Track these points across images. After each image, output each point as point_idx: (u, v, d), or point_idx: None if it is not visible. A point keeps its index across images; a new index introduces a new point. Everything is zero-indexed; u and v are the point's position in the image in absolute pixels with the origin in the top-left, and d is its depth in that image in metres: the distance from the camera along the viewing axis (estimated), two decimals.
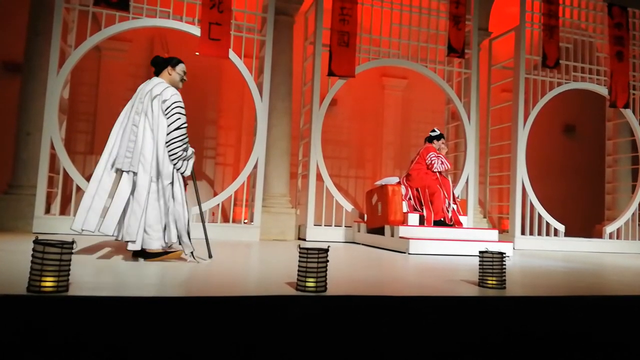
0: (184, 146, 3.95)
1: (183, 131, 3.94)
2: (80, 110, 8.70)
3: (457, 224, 6.65)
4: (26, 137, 6.81)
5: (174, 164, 3.93)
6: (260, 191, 7.18)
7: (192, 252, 3.97)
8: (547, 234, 8.28)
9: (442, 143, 7.13)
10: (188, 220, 3.96)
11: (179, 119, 3.94)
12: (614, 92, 8.71)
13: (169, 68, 4.15)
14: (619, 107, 8.76)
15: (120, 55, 8.86)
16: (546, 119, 9.55)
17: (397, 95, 10.71)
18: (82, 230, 3.85)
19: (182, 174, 4.00)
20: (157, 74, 4.17)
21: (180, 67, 4.19)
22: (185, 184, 4.18)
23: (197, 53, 6.82)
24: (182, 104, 3.99)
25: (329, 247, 2.80)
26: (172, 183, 3.93)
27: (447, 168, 6.89)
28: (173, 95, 3.97)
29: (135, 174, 3.87)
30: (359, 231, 7.51)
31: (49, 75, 6.48)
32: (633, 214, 8.77)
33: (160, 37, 8.85)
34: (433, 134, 7.17)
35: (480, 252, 3.31)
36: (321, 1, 7.73)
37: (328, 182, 7.61)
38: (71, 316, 2.14)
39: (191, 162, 4.05)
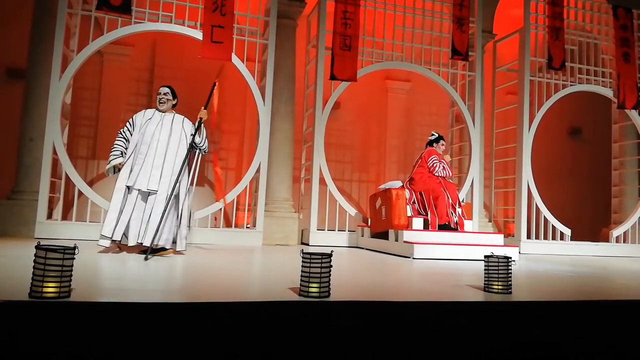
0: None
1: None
2: (83, 115, 8.71)
3: (461, 228, 6.59)
4: (29, 142, 6.80)
5: None
6: (262, 195, 7.15)
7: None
8: (553, 238, 8.20)
9: (443, 145, 7.08)
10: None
11: None
12: (622, 94, 8.63)
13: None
14: (628, 108, 8.68)
15: (122, 59, 8.86)
16: (551, 121, 9.49)
17: (401, 98, 10.67)
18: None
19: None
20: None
21: (158, 92, 5.01)
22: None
23: (199, 56, 6.80)
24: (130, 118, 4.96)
25: (332, 251, 2.76)
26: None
27: (448, 175, 6.83)
28: None
29: None
30: (362, 236, 7.46)
31: (51, 80, 6.48)
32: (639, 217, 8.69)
33: (161, 41, 8.85)
34: (432, 137, 7.13)
35: (485, 256, 3.27)
36: (323, 5, 7.71)
37: (331, 186, 7.57)
38: (73, 322, 2.13)
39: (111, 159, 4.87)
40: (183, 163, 4.77)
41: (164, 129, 4.79)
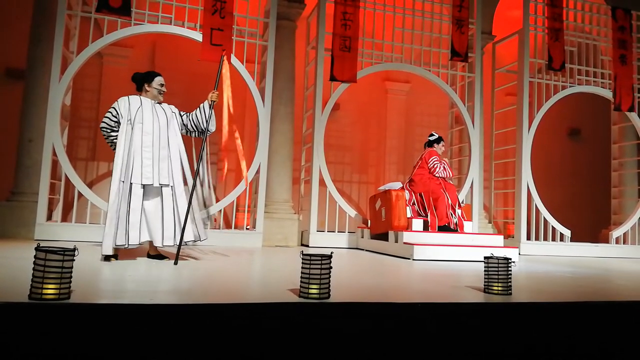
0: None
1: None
2: (82, 116, 8.72)
3: (461, 229, 6.59)
4: (28, 143, 6.80)
5: None
6: (262, 197, 7.15)
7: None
8: (553, 239, 8.20)
9: (443, 146, 7.09)
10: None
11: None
12: (618, 96, 8.64)
13: (146, 85, 4.46)
14: (624, 110, 8.70)
15: (122, 61, 8.87)
16: (551, 122, 9.49)
17: (401, 99, 10.69)
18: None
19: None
20: (139, 89, 4.48)
21: (157, 81, 4.47)
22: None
23: (198, 59, 6.80)
24: (112, 107, 4.38)
25: (332, 253, 2.76)
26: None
27: (448, 175, 6.84)
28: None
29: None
30: (362, 237, 7.46)
31: (50, 81, 6.47)
32: (639, 218, 8.69)
33: (161, 43, 8.85)
34: (432, 138, 7.13)
35: (485, 257, 3.26)
36: (323, 6, 7.72)
37: (331, 188, 7.57)
38: (73, 324, 2.12)
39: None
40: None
41: (160, 118, 4.41)
